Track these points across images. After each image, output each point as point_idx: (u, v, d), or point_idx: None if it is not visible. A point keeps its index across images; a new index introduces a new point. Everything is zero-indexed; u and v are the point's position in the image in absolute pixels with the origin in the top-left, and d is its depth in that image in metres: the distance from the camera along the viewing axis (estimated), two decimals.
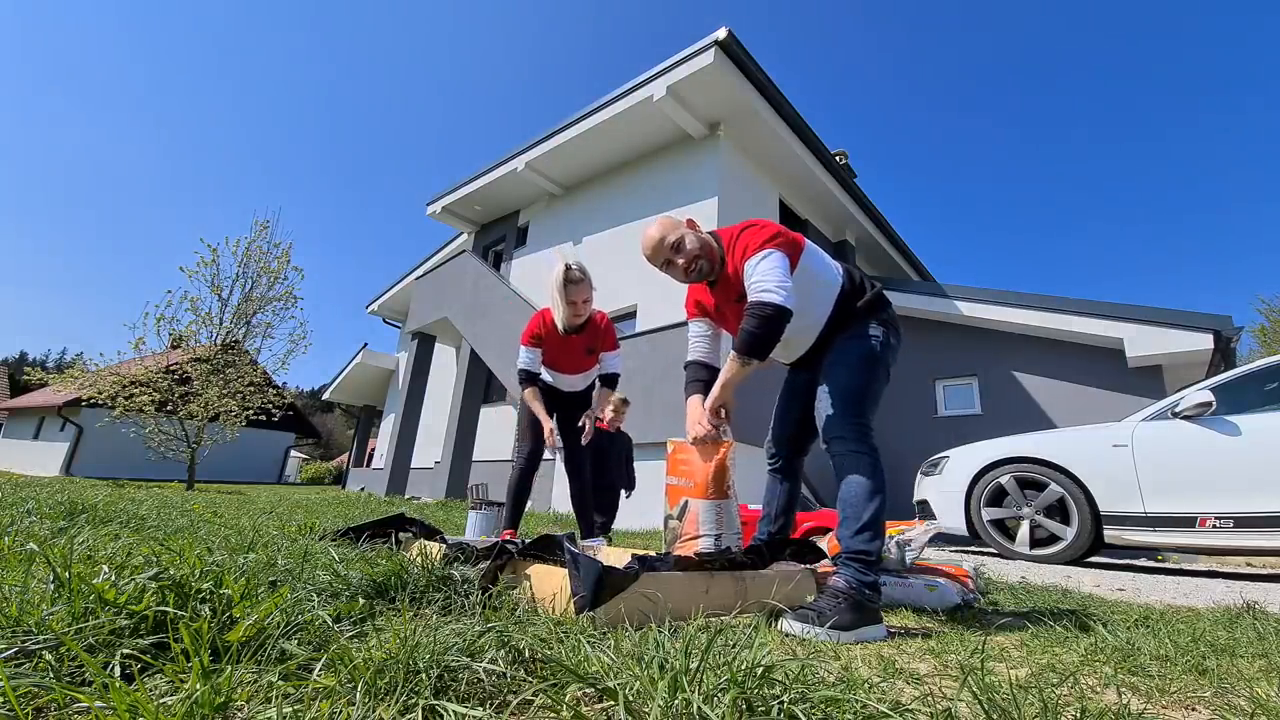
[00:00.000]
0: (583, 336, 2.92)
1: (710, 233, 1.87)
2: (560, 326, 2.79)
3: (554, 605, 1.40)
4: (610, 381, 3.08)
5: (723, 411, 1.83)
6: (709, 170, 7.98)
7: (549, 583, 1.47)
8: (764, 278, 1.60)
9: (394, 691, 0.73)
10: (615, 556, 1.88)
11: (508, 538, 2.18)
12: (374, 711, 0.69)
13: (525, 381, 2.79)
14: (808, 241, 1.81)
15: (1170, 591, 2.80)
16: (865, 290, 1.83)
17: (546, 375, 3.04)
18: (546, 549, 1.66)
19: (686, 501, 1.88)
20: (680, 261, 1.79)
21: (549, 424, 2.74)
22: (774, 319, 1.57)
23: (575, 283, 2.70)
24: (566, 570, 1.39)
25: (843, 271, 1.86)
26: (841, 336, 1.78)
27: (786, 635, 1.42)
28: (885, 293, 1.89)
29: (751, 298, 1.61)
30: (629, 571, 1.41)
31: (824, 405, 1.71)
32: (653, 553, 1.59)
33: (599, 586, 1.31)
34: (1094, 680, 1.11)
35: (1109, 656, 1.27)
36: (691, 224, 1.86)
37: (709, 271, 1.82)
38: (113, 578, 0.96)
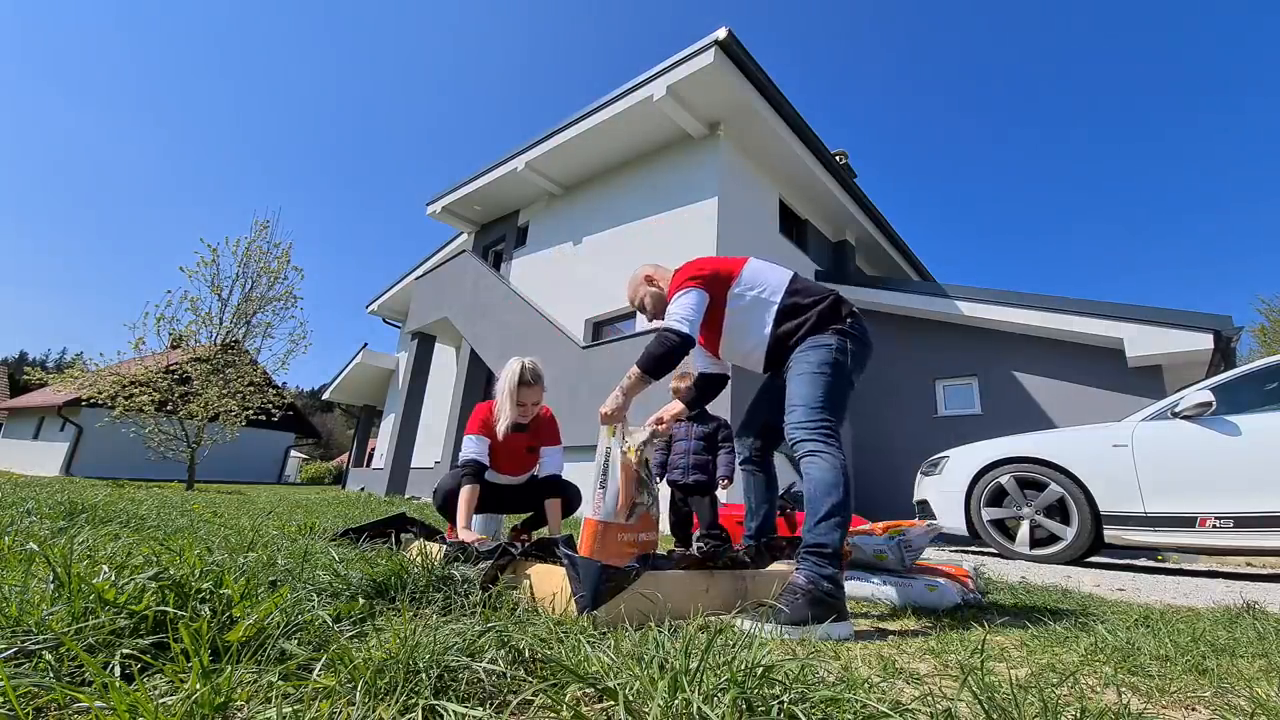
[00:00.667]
0: (525, 435, 2.75)
1: (677, 269, 2.12)
2: (502, 426, 2.59)
3: (554, 605, 1.40)
4: (552, 488, 2.73)
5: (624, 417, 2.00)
6: (709, 170, 7.98)
7: (549, 583, 1.48)
8: (674, 310, 1.90)
9: (394, 691, 0.73)
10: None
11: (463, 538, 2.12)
12: (374, 711, 0.69)
13: (470, 477, 2.49)
14: (746, 268, 1.98)
15: (1170, 591, 2.80)
16: (810, 305, 1.90)
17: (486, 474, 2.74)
18: (547, 550, 1.66)
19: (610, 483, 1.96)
20: (642, 316, 2.31)
21: (469, 536, 2.28)
22: (674, 345, 1.83)
23: (528, 385, 2.60)
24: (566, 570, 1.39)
25: (785, 290, 1.94)
26: (800, 348, 1.86)
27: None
28: (848, 296, 1.94)
29: (661, 325, 1.90)
30: (629, 571, 1.41)
31: (789, 413, 1.81)
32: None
33: (599, 586, 1.31)
34: (1094, 680, 1.11)
35: (1109, 656, 1.27)
36: (652, 280, 2.21)
37: (661, 316, 2.13)
38: (113, 578, 0.96)
